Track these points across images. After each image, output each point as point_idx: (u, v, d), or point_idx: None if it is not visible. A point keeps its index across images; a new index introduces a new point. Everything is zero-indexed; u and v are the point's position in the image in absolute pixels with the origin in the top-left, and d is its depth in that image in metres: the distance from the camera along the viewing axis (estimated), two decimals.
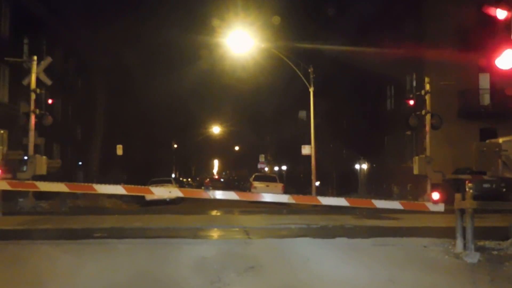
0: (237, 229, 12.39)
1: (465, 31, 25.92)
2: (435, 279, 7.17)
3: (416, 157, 21.31)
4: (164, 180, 32.34)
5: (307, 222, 13.27)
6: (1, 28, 27.32)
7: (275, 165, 66.06)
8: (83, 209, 21.91)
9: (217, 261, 7.85)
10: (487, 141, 16.93)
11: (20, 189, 13.08)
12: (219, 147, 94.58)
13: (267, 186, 30.73)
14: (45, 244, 9.01)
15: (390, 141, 34.01)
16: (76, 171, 36.91)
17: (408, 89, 29.67)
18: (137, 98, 44.61)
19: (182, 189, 12.25)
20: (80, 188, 11.84)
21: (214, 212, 18.92)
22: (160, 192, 14.73)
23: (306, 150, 30.73)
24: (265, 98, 58.41)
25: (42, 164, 20.04)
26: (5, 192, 14.10)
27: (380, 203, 9.65)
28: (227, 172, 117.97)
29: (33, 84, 21.05)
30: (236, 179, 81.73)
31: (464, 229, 8.50)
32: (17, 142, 23.12)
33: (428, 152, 21.13)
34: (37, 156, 20.29)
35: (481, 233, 9.10)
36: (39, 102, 22.87)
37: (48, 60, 22.10)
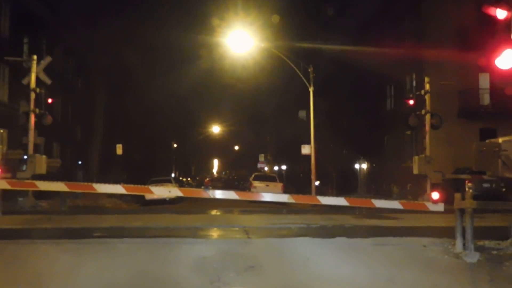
0: (237, 228, 12.39)
1: (465, 31, 25.93)
2: (435, 278, 7.17)
3: (416, 157, 21.30)
4: (164, 180, 32.33)
5: (307, 221, 13.27)
6: (1, 27, 27.32)
7: (275, 165, 66.07)
8: (83, 208, 21.92)
9: (217, 260, 7.85)
10: (487, 141, 16.97)
11: (20, 188, 13.05)
12: (219, 147, 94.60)
13: (267, 185, 30.73)
14: (44, 243, 9.00)
15: (390, 141, 34.02)
16: (75, 171, 36.91)
17: (408, 89, 29.68)
18: (137, 97, 44.60)
19: (182, 188, 12.24)
20: (80, 187, 11.85)
21: (214, 212, 18.91)
22: (160, 191, 14.76)
23: (306, 149, 30.74)
24: (265, 97, 58.41)
25: (41, 163, 20.02)
26: (5, 191, 14.08)
27: (379, 203, 9.65)
28: (227, 171, 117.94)
29: (33, 84, 21.04)
30: (235, 178, 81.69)
31: (463, 229, 8.51)
32: (16, 142, 23.14)
33: (428, 152, 21.12)
34: (37, 155, 20.27)
35: (481, 233, 9.10)
36: (39, 101, 22.85)
37: (48, 59, 22.09)
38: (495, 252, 8.60)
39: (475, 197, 8.62)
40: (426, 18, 28.53)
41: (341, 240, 9.60)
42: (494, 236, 9.32)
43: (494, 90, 26.86)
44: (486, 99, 28.01)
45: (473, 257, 8.17)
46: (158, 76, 46.12)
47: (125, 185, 10.39)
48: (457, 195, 8.62)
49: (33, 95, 21.00)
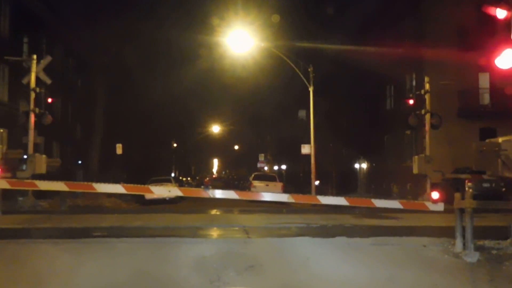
0: (236, 228, 12.39)
1: (465, 31, 25.94)
2: (435, 278, 7.17)
3: (416, 157, 21.30)
4: (163, 179, 32.33)
5: (307, 221, 13.27)
6: (1, 27, 27.32)
7: (275, 164, 66.09)
8: (82, 208, 21.92)
9: (217, 260, 7.85)
10: (487, 140, 16.94)
11: (19, 188, 13.04)
12: (219, 146, 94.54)
13: (267, 185, 30.74)
14: (44, 243, 9.00)
15: (389, 141, 34.02)
16: (75, 170, 36.91)
17: (408, 89, 29.68)
18: (137, 97, 44.55)
19: (182, 188, 12.25)
20: (79, 187, 11.84)
21: (213, 211, 18.92)
22: (160, 191, 14.79)
23: (305, 149, 30.73)
24: (265, 97, 58.36)
25: (41, 163, 20.01)
26: (4, 191, 14.08)
27: (379, 203, 9.65)
28: (227, 171, 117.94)
29: (32, 83, 21.05)
30: (235, 178, 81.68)
31: (463, 229, 8.51)
32: (16, 141, 23.10)
33: (427, 152, 21.13)
34: (37, 155, 20.26)
35: (481, 233, 9.10)
36: (39, 101, 22.85)
37: (47, 59, 22.09)
38: (495, 251, 8.60)
39: (475, 197, 8.62)
40: (426, 18, 28.53)
41: (341, 240, 9.59)
42: (494, 235, 9.32)
43: (494, 89, 26.83)
44: (486, 99, 28.01)
45: (473, 256, 8.17)
46: (158, 75, 46.04)
47: (125, 184, 10.39)
48: (457, 195, 8.62)
49: (33, 95, 21.00)
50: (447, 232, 9.37)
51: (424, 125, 21.66)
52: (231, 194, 10.13)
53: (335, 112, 41.92)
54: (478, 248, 8.51)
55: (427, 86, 21.46)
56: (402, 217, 14.10)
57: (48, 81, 21.93)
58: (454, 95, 26.86)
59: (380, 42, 31.19)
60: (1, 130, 26.24)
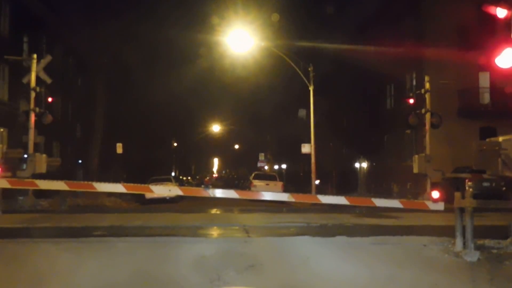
0: (236, 227, 12.39)
1: (465, 30, 25.93)
2: (435, 277, 7.17)
3: (416, 156, 21.25)
4: (164, 179, 32.38)
5: (307, 220, 13.26)
6: (1, 26, 27.31)
7: (275, 164, 66.10)
8: (82, 207, 21.94)
9: (217, 259, 7.84)
10: (487, 140, 16.90)
11: (20, 187, 13.06)
12: (219, 146, 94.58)
13: (267, 184, 30.77)
14: (44, 242, 9.00)
15: (390, 140, 34.02)
16: (76, 170, 36.92)
17: (408, 88, 29.67)
18: (137, 96, 44.56)
19: (182, 187, 12.24)
20: (80, 186, 11.83)
21: (213, 211, 18.92)
22: (160, 190, 14.76)
23: (306, 148, 30.73)
24: (265, 96, 58.41)
25: (41, 162, 19.97)
26: (5, 190, 14.10)
27: (379, 202, 9.65)
28: (227, 170, 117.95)
29: (33, 83, 21.04)
30: (235, 177, 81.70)
31: (463, 228, 8.50)
32: (16, 141, 23.06)
33: (428, 151, 21.10)
34: (37, 154, 20.21)
35: (481, 232, 9.09)
36: (39, 100, 22.84)
37: (48, 58, 22.08)
38: (495, 251, 8.59)
39: (475, 196, 8.61)
40: (426, 17, 28.53)
41: (341, 239, 9.59)
42: (494, 235, 9.31)
43: (494, 89, 26.85)
44: (486, 98, 28.01)
45: (473, 256, 8.16)
46: (158, 75, 46.09)
47: (125, 184, 10.39)
48: (457, 194, 8.61)
49: (33, 94, 20.99)
50: (447, 232, 9.36)
51: (424, 125, 21.64)
52: (231, 194, 10.13)
53: (335, 111, 41.93)
54: (478, 247, 8.50)
55: (427, 85, 21.44)
56: (402, 217, 14.09)
57: (48, 80, 21.92)
58: (454, 94, 26.86)
59: (380, 41, 31.18)
60: (1, 130, 26.05)
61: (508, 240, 8.91)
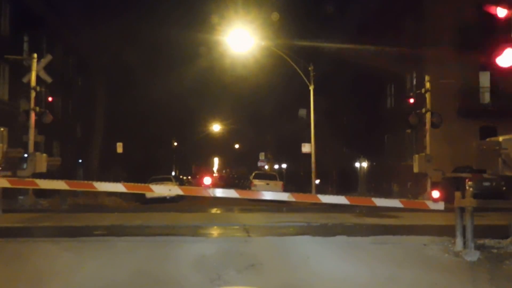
0: (237, 227, 12.39)
1: (465, 29, 25.90)
2: (435, 277, 7.17)
3: (416, 155, 21.25)
4: (164, 178, 32.37)
5: (307, 220, 13.27)
6: (1, 26, 27.31)
7: (275, 163, 66.10)
8: (83, 206, 21.94)
9: (217, 259, 7.84)
10: (487, 139, 16.90)
11: (20, 186, 13.08)
12: (219, 145, 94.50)
13: (267, 184, 30.76)
14: (45, 241, 9.00)
15: (390, 139, 34.02)
16: (76, 169, 36.93)
17: (408, 87, 29.68)
18: (137, 96, 44.56)
19: (182, 187, 12.25)
20: (80, 186, 11.83)
21: (214, 210, 18.92)
22: (160, 190, 14.77)
23: (306, 148, 30.75)
24: (265, 96, 58.47)
25: (42, 161, 19.96)
26: (5, 189, 14.09)
27: (380, 201, 9.65)
28: (227, 170, 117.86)
29: (33, 82, 21.05)
30: (236, 177, 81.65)
31: (464, 228, 8.50)
32: (17, 140, 23.07)
33: (428, 150, 21.10)
34: (37, 153, 20.21)
35: (481, 232, 9.09)
36: (39, 100, 22.87)
37: (48, 58, 22.09)
38: (495, 250, 8.59)
39: (475, 196, 8.61)
40: (426, 16, 28.49)
41: (341, 239, 9.59)
42: (495, 234, 9.31)
43: (495, 88, 26.85)
44: (486, 98, 27.99)
45: (473, 255, 8.16)
46: (159, 74, 46.13)
47: (125, 183, 10.37)
48: (457, 194, 8.61)
49: (33, 94, 21.00)
50: (447, 231, 9.36)
51: (424, 124, 21.64)
52: (231, 193, 10.12)
53: (336, 111, 41.93)
54: (478, 247, 8.50)
55: (427, 85, 21.44)
56: (403, 216, 14.10)
57: (49, 80, 21.93)
58: (454, 94, 26.84)
59: (381, 40, 31.17)
60: (2, 129, 26.12)
61: (508, 239, 8.91)
